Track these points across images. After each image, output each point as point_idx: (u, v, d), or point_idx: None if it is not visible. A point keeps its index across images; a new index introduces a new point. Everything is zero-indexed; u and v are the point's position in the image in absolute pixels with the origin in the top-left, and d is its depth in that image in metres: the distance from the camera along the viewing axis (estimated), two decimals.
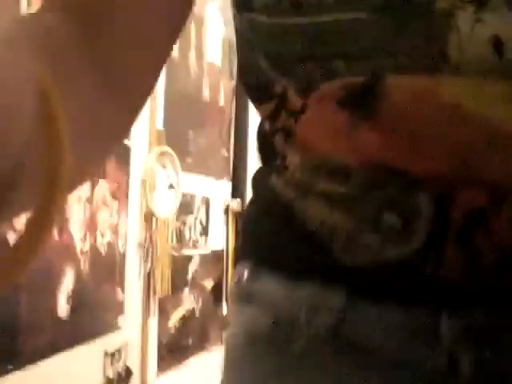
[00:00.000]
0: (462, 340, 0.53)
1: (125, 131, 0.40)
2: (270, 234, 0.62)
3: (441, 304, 0.53)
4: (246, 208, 0.71)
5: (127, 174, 1.79)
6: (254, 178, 0.69)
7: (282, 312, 0.59)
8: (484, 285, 0.52)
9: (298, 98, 0.54)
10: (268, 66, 0.56)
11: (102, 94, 0.48)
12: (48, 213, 0.27)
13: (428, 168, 0.50)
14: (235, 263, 0.70)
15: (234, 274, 0.69)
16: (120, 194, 1.75)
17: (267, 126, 0.59)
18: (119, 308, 1.77)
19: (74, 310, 1.52)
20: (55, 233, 1.43)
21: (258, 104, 0.60)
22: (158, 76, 0.57)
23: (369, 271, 0.54)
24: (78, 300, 1.53)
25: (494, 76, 0.47)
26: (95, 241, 1.60)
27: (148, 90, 0.57)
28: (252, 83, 0.61)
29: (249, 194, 2.51)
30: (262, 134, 0.62)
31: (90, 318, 1.61)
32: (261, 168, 0.66)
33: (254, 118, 2.75)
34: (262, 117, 0.60)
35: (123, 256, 1.78)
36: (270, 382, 0.60)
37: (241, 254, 0.68)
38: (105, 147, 0.51)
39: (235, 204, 2.56)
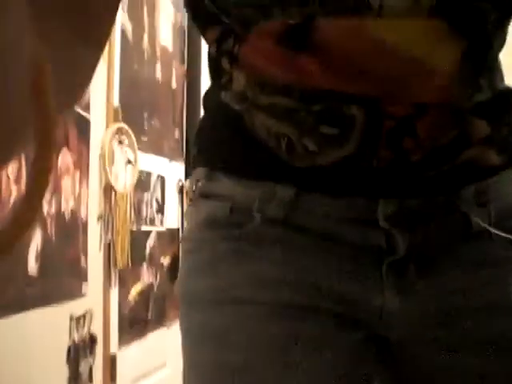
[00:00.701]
0: (396, 224, 0.63)
1: (94, 67, 0.44)
2: (223, 142, 0.71)
3: (377, 194, 0.63)
4: (199, 123, 0.79)
5: (88, 146, 1.86)
6: (205, 96, 0.77)
7: (238, 204, 0.68)
8: (412, 177, 0.63)
9: (241, 31, 0.62)
10: (211, 5, 0.64)
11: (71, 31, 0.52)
12: (45, 162, 0.29)
13: (360, 89, 0.60)
14: (189, 173, 0.78)
15: (190, 181, 0.78)
16: (82, 165, 1.81)
17: (213, 49, 0.66)
18: (83, 275, 1.83)
19: (42, 269, 1.57)
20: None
21: (204, 29, 0.67)
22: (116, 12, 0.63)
23: (312, 171, 0.64)
24: (45, 260, 1.59)
25: (411, 16, 0.57)
26: (60, 206, 1.66)
27: (109, 23, 0.58)
28: (199, 12, 0.67)
29: None
30: (210, 56, 0.69)
31: (57, 280, 1.66)
32: (210, 87, 0.74)
33: None
34: (209, 41, 0.67)
35: (85, 225, 1.84)
36: (226, 262, 0.67)
37: (195, 163, 0.76)
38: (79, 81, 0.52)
39: (188, 184, 2.64)
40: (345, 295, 0.63)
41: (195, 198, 0.74)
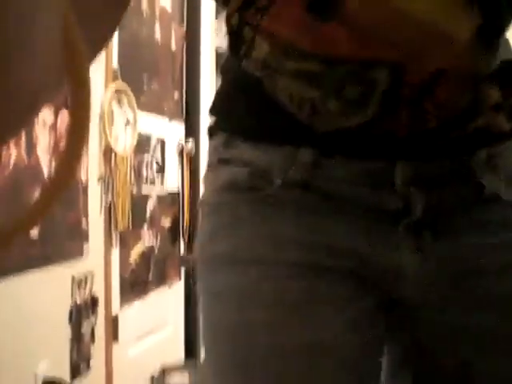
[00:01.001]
0: (413, 186, 0.64)
1: (117, 20, 0.45)
2: (243, 108, 0.72)
3: (395, 157, 0.65)
4: (216, 92, 0.80)
5: None
6: (224, 66, 0.78)
7: (258, 168, 0.68)
8: (429, 142, 0.65)
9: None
10: None
11: None
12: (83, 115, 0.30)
13: (383, 55, 0.62)
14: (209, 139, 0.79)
15: (209, 147, 0.78)
16: None
17: (235, 19, 0.67)
18: (84, 235, 1.83)
19: (43, 231, 1.58)
20: (24, 154, 1.48)
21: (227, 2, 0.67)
22: None
23: (333, 135, 0.65)
24: (46, 223, 1.60)
25: None
26: None
27: None
28: None
29: (202, 136, 2.59)
30: (230, 26, 0.69)
31: (59, 242, 1.67)
32: (229, 56, 0.74)
33: (205, 62, 2.81)
34: (231, 11, 0.67)
35: (86, 187, 1.84)
36: (247, 223, 0.69)
37: (212, 130, 0.77)
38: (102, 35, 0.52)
39: (189, 144, 2.63)
40: (363, 256, 0.65)
41: (213, 163, 0.74)
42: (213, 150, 0.75)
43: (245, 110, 0.72)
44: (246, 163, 0.69)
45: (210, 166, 0.76)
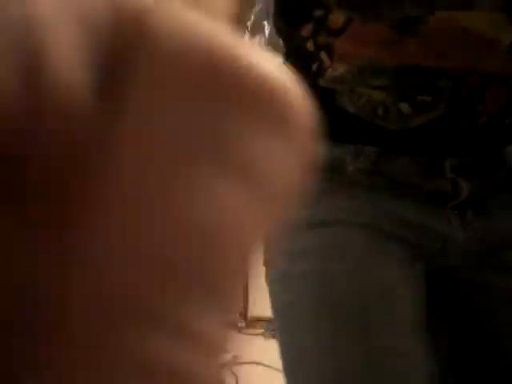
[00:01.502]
0: (460, 173, 0.80)
1: None
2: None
3: (446, 153, 0.80)
4: None
5: None
6: None
7: (334, 156, 0.81)
8: (477, 140, 0.81)
9: (342, 16, 0.77)
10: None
11: None
12: None
13: (448, 66, 0.77)
14: None
15: None
16: None
17: (311, 44, 0.80)
18: None
19: None
20: None
21: (298, 26, 0.81)
22: None
23: (397, 134, 0.80)
24: None
25: (484, 11, 0.77)
26: None
27: None
28: (289, 8, 0.80)
29: None
30: (303, 51, 0.81)
31: None
32: (298, 74, 0.84)
33: None
34: (302, 37, 0.81)
35: None
36: (327, 197, 0.82)
37: None
38: None
39: None
40: (418, 227, 0.81)
41: None
42: None
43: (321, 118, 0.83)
44: (326, 155, 0.81)
45: None
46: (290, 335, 0.79)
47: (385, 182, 0.81)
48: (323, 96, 0.81)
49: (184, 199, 0.13)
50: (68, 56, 0.12)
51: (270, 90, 0.13)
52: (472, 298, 0.81)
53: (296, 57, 0.83)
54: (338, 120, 0.82)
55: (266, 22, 0.86)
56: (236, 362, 2.00)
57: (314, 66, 0.81)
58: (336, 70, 0.80)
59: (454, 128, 0.79)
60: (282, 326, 0.81)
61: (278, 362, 0.82)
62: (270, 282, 0.84)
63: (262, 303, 1.91)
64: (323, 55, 0.79)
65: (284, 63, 0.83)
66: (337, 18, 0.78)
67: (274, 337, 1.94)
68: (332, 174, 0.83)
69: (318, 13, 0.79)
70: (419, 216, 0.80)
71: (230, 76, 0.13)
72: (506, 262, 0.79)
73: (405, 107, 0.78)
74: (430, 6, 0.75)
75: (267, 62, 0.14)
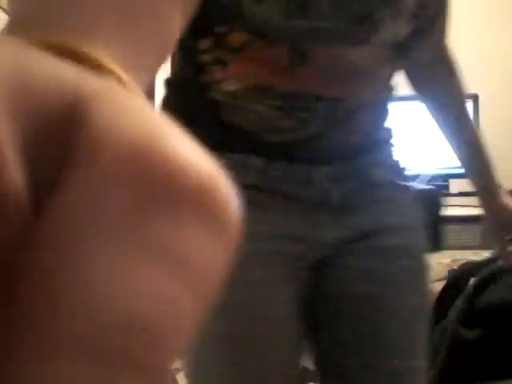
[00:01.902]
0: (328, 181, 0.89)
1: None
2: (203, 125, 0.82)
3: (313, 162, 0.89)
4: (168, 101, 0.93)
5: None
6: (182, 85, 0.91)
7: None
8: (343, 151, 0.91)
9: (244, 36, 0.80)
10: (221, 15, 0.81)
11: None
12: None
13: (332, 92, 0.86)
14: None
15: None
16: None
17: (206, 57, 0.84)
18: None
19: None
20: None
21: (197, 39, 0.83)
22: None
23: (279, 145, 0.88)
24: None
25: (379, 45, 0.85)
26: None
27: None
28: (192, 21, 0.74)
29: None
30: (197, 62, 0.85)
31: None
32: (191, 82, 0.88)
33: None
34: (200, 49, 0.84)
35: None
36: None
37: None
38: None
39: None
40: (299, 235, 0.89)
41: None
42: None
43: (205, 127, 0.82)
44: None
45: None
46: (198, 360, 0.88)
47: (266, 196, 0.87)
48: (211, 108, 0.86)
49: (117, 290, 0.13)
50: (5, 157, 0.13)
51: (201, 189, 0.14)
52: (345, 277, 0.94)
53: (189, 68, 0.87)
54: (223, 130, 0.87)
55: None
56: None
57: (207, 79, 0.84)
58: (229, 85, 0.84)
59: (330, 144, 0.89)
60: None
61: None
62: None
63: None
64: (217, 70, 0.83)
65: (178, 74, 0.90)
66: (238, 37, 0.81)
67: None
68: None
69: (220, 29, 0.81)
70: (299, 226, 0.89)
71: (161, 176, 0.14)
72: (371, 247, 0.93)
73: (288, 123, 0.86)
74: (325, 41, 0.83)
75: (198, 159, 0.14)
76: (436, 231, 1.68)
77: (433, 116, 1.10)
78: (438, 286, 1.47)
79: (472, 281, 1.26)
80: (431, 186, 2.04)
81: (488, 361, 1.18)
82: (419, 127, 2.86)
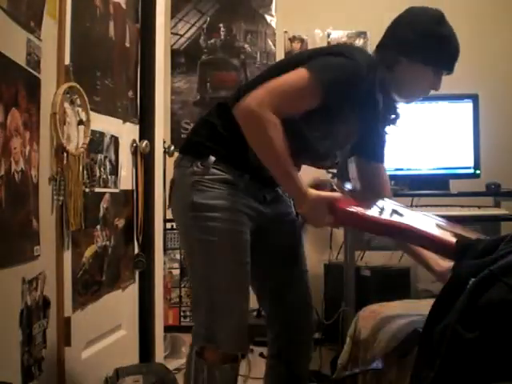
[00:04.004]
0: (267, 190, 1.87)
1: None
2: (234, 151, 1.76)
3: (264, 186, 1.84)
4: (214, 125, 1.82)
5: (38, 106, 1.81)
6: (234, 126, 1.69)
7: (233, 177, 1.78)
8: (272, 180, 1.71)
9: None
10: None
11: None
12: None
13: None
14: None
15: (195, 161, 1.78)
16: (31, 125, 1.77)
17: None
18: (35, 237, 1.80)
19: None
20: None
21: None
22: None
23: (255, 171, 1.76)
24: None
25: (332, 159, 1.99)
26: (10, 167, 1.62)
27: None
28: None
29: (157, 136, 2.59)
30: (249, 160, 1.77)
31: (9, 244, 1.63)
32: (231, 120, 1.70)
33: (159, 60, 2.78)
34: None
35: (36, 187, 1.81)
36: (231, 197, 1.76)
37: (205, 151, 1.77)
38: None
39: (143, 145, 2.61)
40: (256, 209, 1.80)
41: (205, 173, 1.75)
42: (206, 164, 1.76)
43: (236, 153, 1.76)
44: (227, 174, 1.77)
45: (199, 174, 1.76)
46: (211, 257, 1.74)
47: (245, 189, 1.77)
48: (244, 145, 1.68)
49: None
50: None
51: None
52: (274, 236, 1.91)
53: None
54: (242, 159, 1.75)
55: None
56: None
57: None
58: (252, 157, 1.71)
59: (268, 178, 1.69)
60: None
61: None
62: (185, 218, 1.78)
63: None
64: (251, 155, 1.70)
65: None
66: None
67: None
68: (231, 185, 1.76)
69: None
70: (255, 205, 1.80)
71: None
72: (280, 213, 1.91)
73: (263, 172, 1.68)
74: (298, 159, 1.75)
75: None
76: None
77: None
78: (438, 286, 1.47)
79: (472, 281, 1.25)
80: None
81: (488, 361, 1.18)
82: (419, 127, 2.85)
